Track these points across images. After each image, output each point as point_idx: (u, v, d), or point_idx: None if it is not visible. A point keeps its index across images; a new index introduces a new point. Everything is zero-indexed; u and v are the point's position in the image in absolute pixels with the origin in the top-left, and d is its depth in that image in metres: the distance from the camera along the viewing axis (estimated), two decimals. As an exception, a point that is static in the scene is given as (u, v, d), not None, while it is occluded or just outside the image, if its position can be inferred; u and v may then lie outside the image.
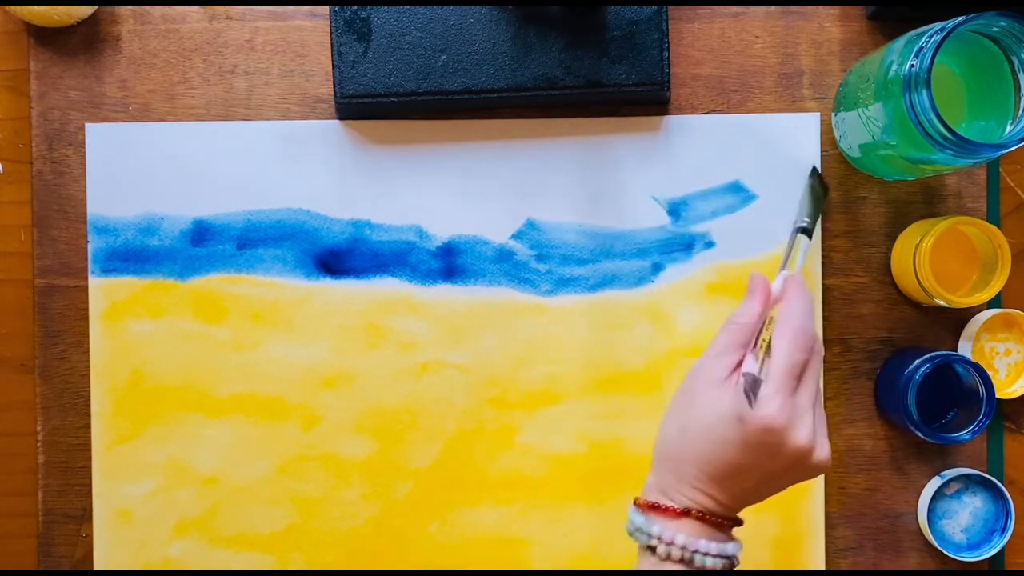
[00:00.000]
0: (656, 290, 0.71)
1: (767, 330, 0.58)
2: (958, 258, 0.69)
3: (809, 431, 0.55)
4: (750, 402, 0.54)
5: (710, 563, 0.55)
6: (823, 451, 0.56)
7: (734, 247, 0.71)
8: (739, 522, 0.58)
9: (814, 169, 0.69)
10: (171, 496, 0.70)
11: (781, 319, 0.57)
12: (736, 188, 0.71)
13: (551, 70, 0.68)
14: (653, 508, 0.56)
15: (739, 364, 0.57)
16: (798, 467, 0.56)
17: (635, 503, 0.57)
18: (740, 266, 0.71)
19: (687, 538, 0.55)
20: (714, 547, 0.55)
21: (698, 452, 0.55)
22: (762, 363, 0.57)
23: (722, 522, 0.56)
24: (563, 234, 0.71)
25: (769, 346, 0.57)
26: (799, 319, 0.57)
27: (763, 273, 0.60)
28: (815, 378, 0.57)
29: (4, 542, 0.73)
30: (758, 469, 0.55)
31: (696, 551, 0.55)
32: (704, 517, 0.55)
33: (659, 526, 0.56)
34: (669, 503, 0.56)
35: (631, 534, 0.57)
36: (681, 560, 0.55)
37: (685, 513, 0.55)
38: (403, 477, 0.71)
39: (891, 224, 0.72)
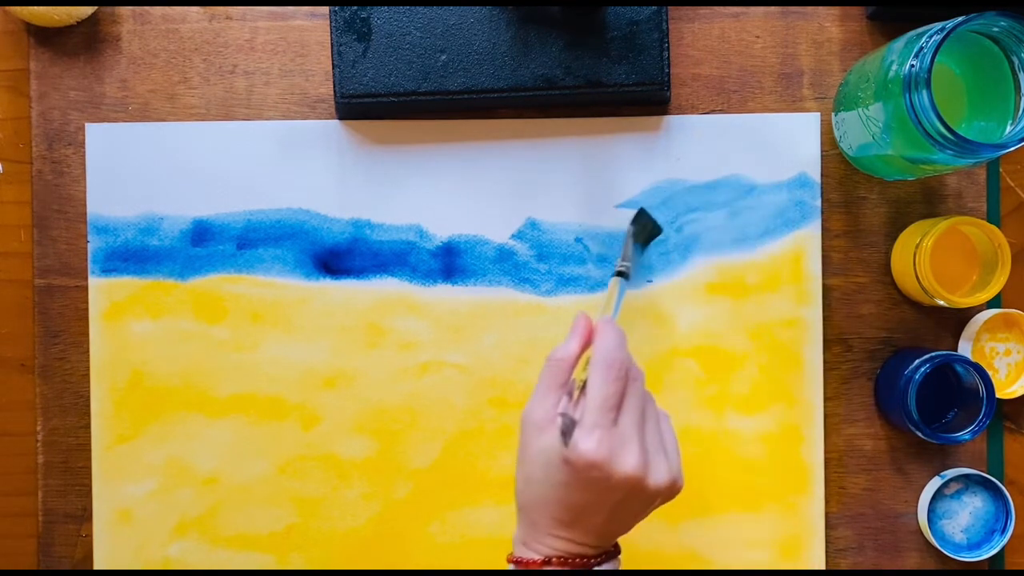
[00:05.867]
0: (656, 290, 0.71)
1: (583, 370, 0.58)
2: (958, 258, 0.69)
3: (636, 458, 0.55)
4: (565, 443, 0.55)
5: None
6: (658, 473, 0.56)
7: (733, 247, 0.71)
8: (612, 554, 0.58)
9: (641, 211, 0.68)
10: (171, 496, 0.70)
11: (592, 356, 0.57)
12: (736, 188, 0.71)
13: (551, 70, 0.68)
14: (518, 563, 0.57)
15: None
16: (639, 494, 0.56)
17: (507, 558, 0.58)
18: (739, 266, 0.71)
19: None
20: None
21: (542, 500, 0.56)
22: (577, 401, 0.57)
23: (588, 560, 0.56)
24: (563, 234, 0.71)
25: (585, 385, 0.57)
26: (607, 352, 0.57)
27: (586, 313, 0.61)
28: (637, 403, 0.57)
29: (4, 542, 0.73)
30: (600, 504, 0.55)
31: None
32: (566, 562, 0.56)
33: None
34: (531, 555, 0.57)
35: None
36: None
37: (547, 562, 0.56)
38: (403, 477, 0.71)
39: (891, 224, 0.72)
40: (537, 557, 0.56)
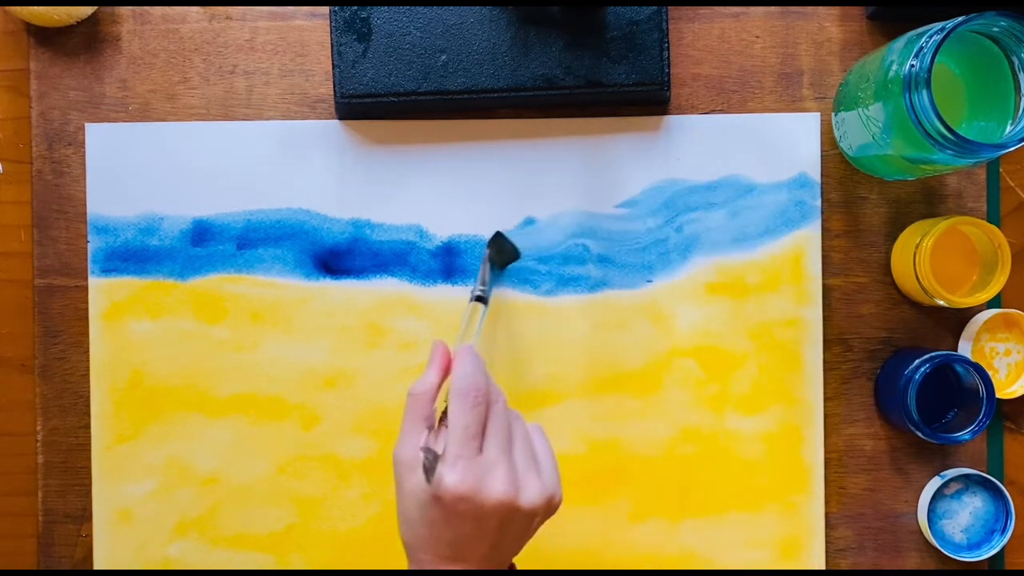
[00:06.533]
0: (655, 290, 0.71)
1: (445, 400, 0.57)
2: (958, 258, 0.69)
3: (503, 482, 0.54)
4: (428, 479, 0.54)
5: None
6: (530, 492, 0.55)
7: (733, 247, 0.71)
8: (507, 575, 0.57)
9: (497, 234, 0.68)
10: (171, 496, 0.70)
11: (450, 386, 0.56)
12: (736, 188, 0.71)
13: (551, 70, 0.68)
14: None
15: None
16: (515, 517, 0.55)
17: None
18: (739, 266, 0.71)
19: None
20: None
21: (422, 539, 0.55)
22: (439, 432, 0.57)
23: None
24: (563, 234, 0.71)
25: (445, 415, 0.56)
26: (464, 379, 0.56)
27: (444, 341, 0.60)
28: (501, 426, 0.56)
29: (4, 542, 0.73)
30: (478, 535, 0.54)
31: None
32: None
33: None
34: None
35: None
36: None
37: None
38: (403, 477, 0.71)
39: (891, 224, 0.72)
40: None
